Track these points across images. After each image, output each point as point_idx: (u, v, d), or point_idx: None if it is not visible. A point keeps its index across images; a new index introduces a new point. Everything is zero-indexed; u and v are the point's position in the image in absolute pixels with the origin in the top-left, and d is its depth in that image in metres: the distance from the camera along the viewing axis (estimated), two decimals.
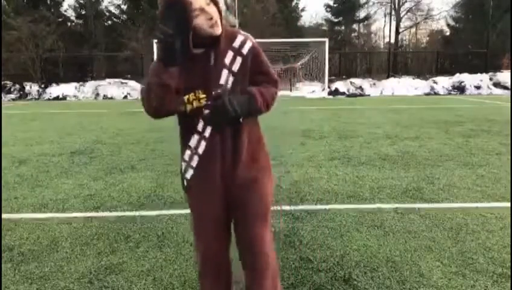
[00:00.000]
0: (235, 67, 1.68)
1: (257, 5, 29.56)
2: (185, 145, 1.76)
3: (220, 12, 1.62)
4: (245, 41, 1.70)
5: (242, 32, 1.73)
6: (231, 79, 1.67)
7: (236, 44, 1.69)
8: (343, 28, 35.96)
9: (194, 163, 1.75)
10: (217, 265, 1.90)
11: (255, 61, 1.71)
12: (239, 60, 1.68)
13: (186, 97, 1.65)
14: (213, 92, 1.64)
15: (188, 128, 1.73)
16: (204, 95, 1.65)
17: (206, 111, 1.66)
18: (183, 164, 1.79)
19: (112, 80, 22.16)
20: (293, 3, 35.21)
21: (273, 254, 1.92)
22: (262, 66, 1.76)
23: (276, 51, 21.35)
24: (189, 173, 1.78)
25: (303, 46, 21.62)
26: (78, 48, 28.40)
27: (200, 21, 1.57)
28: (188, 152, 1.75)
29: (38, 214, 3.75)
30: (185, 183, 1.82)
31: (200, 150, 1.72)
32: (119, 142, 7.34)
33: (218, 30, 1.62)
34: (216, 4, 1.60)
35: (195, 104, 1.66)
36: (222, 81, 1.66)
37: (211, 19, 1.58)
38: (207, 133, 1.70)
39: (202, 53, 1.64)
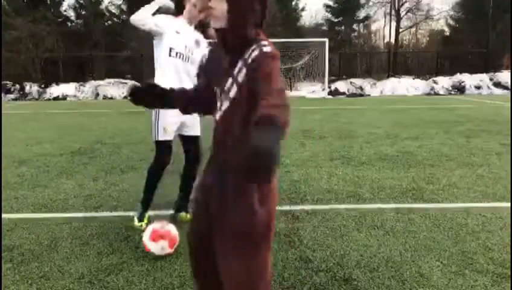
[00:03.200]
0: (240, 77, 1.58)
1: None
2: None
3: (230, 13, 1.55)
4: (254, 50, 1.56)
5: (261, 41, 1.57)
6: (234, 89, 1.58)
7: (246, 54, 1.57)
8: (343, 28, 35.94)
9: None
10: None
11: (252, 77, 1.54)
12: (244, 70, 1.57)
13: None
14: (221, 94, 1.61)
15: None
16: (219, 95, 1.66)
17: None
18: None
19: (112, 80, 22.15)
20: (293, 3, 35.21)
21: None
22: (258, 85, 1.49)
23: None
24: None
25: (303, 46, 21.61)
26: (78, 48, 28.38)
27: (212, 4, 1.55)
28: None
29: (38, 214, 3.75)
30: None
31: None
32: (119, 142, 7.34)
33: (213, 24, 1.58)
34: (229, 3, 1.54)
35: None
36: (226, 87, 1.61)
37: (210, 8, 1.56)
38: (214, 131, 1.67)
39: (220, 56, 1.64)
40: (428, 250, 2.90)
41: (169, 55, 3.13)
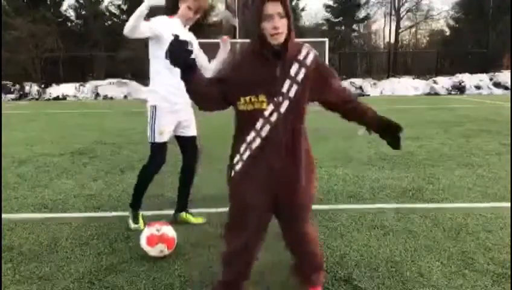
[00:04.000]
0: (299, 77, 1.88)
1: None
2: (240, 139, 1.96)
3: (289, 27, 1.81)
4: (308, 53, 1.92)
5: (306, 45, 1.94)
6: (294, 88, 1.88)
7: (301, 56, 1.90)
8: (343, 28, 35.92)
9: (245, 156, 1.94)
10: (249, 257, 2.08)
11: (321, 69, 1.95)
12: (303, 70, 1.89)
13: (247, 98, 1.87)
14: (275, 98, 1.86)
15: (246, 124, 1.93)
16: (265, 100, 1.86)
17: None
18: (237, 156, 1.97)
19: (112, 80, 22.15)
20: (293, 3, 35.19)
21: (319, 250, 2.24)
22: (329, 72, 2.00)
23: None
24: (239, 165, 1.96)
25: None
26: (78, 48, 28.35)
27: (266, 26, 1.79)
28: (243, 145, 1.94)
29: (38, 214, 3.75)
30: (232, 174, 2.00)
31: (254, 146, 1.92)
32: (119, 142, 7.34)
33: (276, 41, 1.81)
34: (288, 19, 1.81)
35: (256, 105, 1.87)
36: (284, 89, 1.87)
37: (275, 28, 1.78)
38: (264, 132, 1.89)
39: (269, 63, 1.86)
40: (428, 250, 2.90)
41: (166, 58, 3.12)
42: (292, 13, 1.83)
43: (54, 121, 11.13)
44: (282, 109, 1.87)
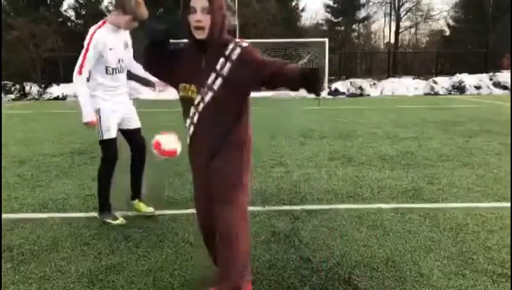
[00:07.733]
0: (225, 71, 1.95)
1: (257, 5, 29.54)
2: (184, 122, 2.14)
3: (213, 23, 1.88)
4: (234, 48, 1.95)
5: (236, 40, 1.98)
6: (219, 81, 1.96)
7: (227, 51, 1.95)
8: (343, 28, 35.94)
9: (188, 139, 2.15)
10: (209, 236, 2.27)
11: (248, 59, 1.93)
12: (228, 65, 1.94)
13: (183, 85, 2.04)
14: (201, 89, 1.99)
15: (184, 111, 2.11)
16: (195, 90, 2.01)
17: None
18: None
19: None
20: (293, 3, 35.19)
21: (241, 236, 2.08)
22: (259, 62, 1.93)
23: (276, 51, 21.28)
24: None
25: (303, 46, 21.59)
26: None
27: (190, 19, 1.88)
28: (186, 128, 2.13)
29: (38, 214, 3.75)
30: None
31: (190, 132, 2.10)
32: (119, 142, 7.29)
33: (200, 35, 1.90)
34: (212, 15, 1.86)
35: (189, 93, 2.03)
36: (209, 82, 1.97)
37: (197, 22, 1.86)
38: (195, 119, 2.05)
39: (197, 56, 1.99)
40: (428, 250, 2.90)
41: (106, 73, 3.30)
42: (236, 9, 1.90)
43: (54, 121, 11.12)
44: (206, 99, 1.99)
